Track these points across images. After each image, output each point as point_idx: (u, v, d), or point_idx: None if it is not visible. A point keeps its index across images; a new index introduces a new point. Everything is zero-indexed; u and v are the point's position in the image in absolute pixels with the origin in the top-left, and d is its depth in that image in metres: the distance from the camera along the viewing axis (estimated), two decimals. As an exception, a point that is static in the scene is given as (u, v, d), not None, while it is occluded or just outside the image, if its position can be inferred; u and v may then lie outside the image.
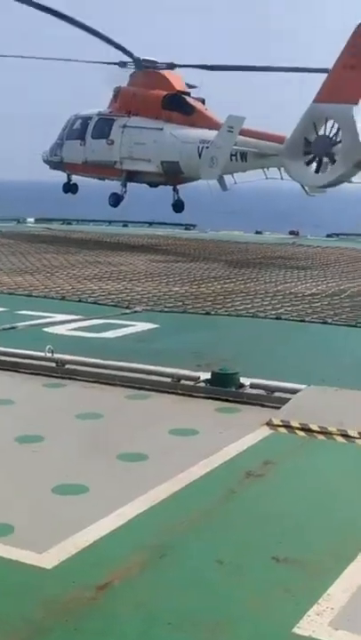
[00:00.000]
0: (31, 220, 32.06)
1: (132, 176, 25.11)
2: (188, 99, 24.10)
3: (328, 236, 28.91)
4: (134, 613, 3.54)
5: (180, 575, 3.92)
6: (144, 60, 24.90)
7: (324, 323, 11.08)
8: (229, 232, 29.68)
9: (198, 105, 23.98)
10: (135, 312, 11.56)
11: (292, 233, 29.36)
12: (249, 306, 12.31)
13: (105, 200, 25.99)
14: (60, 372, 7.80)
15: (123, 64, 25.08)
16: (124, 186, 25.37)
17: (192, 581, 3.85)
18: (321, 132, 20.47)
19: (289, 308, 12.12)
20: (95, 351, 8.55)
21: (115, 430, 6.31)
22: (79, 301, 12.49)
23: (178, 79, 24.83)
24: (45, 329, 10.20)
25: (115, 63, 24.96)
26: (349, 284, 15.20)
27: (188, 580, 3.88)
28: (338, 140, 20.15)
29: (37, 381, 7.65)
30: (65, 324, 10.51)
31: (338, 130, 20.16)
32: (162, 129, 23.76)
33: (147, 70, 24.84)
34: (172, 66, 25.07)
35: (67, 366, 7.85)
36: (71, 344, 9.07)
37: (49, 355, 7.98)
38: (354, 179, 21.03)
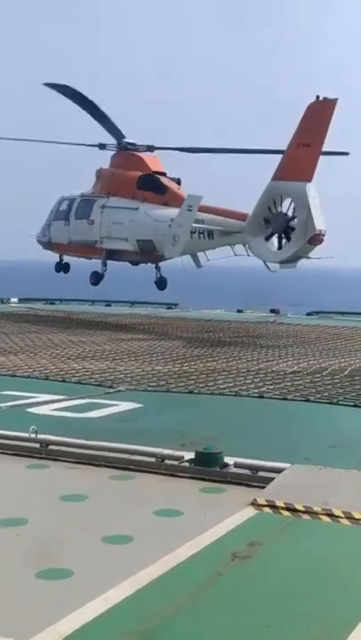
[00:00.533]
0: (15, 299, 32.24)
1: (112, 254, 25.66)
2: (162, 179, 24.77)
3: (308, 314, 29.24)
4: None
5: (167, 661, 3.86)
6: (125, 142, 25.68)
7: (307, 400, 11.14)
8: (211, 310, 29.97)
9: (171, 185, 24.66)
10: (119, 391, 11.57)
11: (272, 311, 29.69)
12: (232, 384, 12.36)
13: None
14: (44, 452, 7.76)
15: (102, 146, 25.87)
16: (104, 264, 25.91)
17: (179, 668, 3.79)
18: (279, 210, 21.06)
19: (271, 387, 12.18)
20: (79, 431, 8.53)
21: (99, 511, 6.26)
22: (63, 381, 12.50)
23: (154, 160, 25.59)
24: (29, 409, 10.17)
25: (95, 145, 25.72)
26: (330, 361, 15.32)
27: (175, 666, 3.81)
28: (294, 216, 20.70)
29: (21, 462, 7.59)
30: (49, 404, 10.49)
31: (294, 207, 20.70)
32: (137, 208, 24.44)
33: (124, 152, 25.64)
34: (151, 148, 25.88)
35: (50, 447, 7.82)
36: (55, 424, 9.04)
37: (33, 435, 7.95)
38: (312, 254, 21.45)
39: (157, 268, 26.50)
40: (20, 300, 32.26)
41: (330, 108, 20.16)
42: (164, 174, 25.10)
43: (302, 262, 22.06)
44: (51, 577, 4.83)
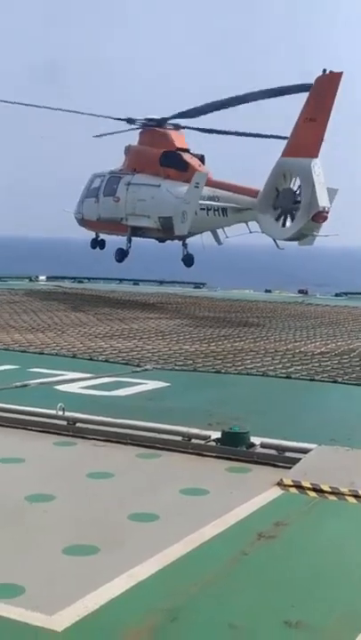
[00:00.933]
0: (43, 277, 32.38)
1: (136, 232, 25.65)
2: (184, 155, 24.63)
3: (337, 295, 29.07)
4: None
5: (193, 639, 3.88)
6: (152, 119, 25.60)
7: (334, 382, 11.10)
8: (239, 290, 29.90)
9: (193, 161, 24.51)
10: (146, 370, 11.60)
11: (301, 292, 29.55)
12: (259, 364, 12.34)
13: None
14: (71, 430, 7.81)
15: (131, 121, 25.78)
16: (129, 241, 25.90)
17: (204, 645, 3.82)
18: (288, 186, 20.91)
19: (299, 367, 12.14)
20: (106, 409, 8.57)
21: (126, 490, 6.30)
22: (90, 359, 12.55)
23: (179, 137, 25.44)
24: (57, 387, 10.24)
25: (123, 119, 25.65)
26: (359, 342, 15.23)
27: (200, 643, 3.84)
28: (300, 193, 20.52)
29: (48, 440, 7.65)
30: (76, 382, 10.55)
31: (299, 184, 20.53)
32: (159, 185, 24.36)
33: (151, 128, 25.57)
34: (177, 126, 25.78)
35: (78, 425, 7.87)
36: (82, 402, 9.10)
37: (60, 413, 8.01)
38: (318, 232, 21.22)
39: (184, 245, 26.45)
40: (49, 279, 32.39)
41: (335, 81, 19.95)
42: (187, 151, 24.97)
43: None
44: (78, 553, 4.87)
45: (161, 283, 32.34)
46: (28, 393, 9.68)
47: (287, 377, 11.37)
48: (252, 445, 7.20)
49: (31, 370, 11.30)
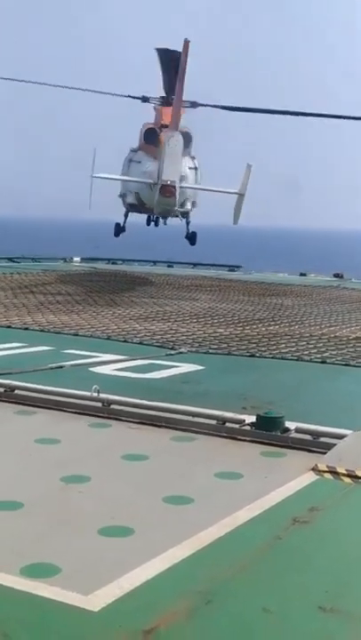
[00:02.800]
0: (77, 259, 32.50)
1: (133, 208, 26.08)
2: (159, 132, 24.54)
3: (373, 278, 28.79)
4: (180, 660, 3.53)
5: (227, 623, 3.90)
6: (166, 97, 25.64)
7: (371, 367, 11.01)
8: (274, 273, 29.75)
9: (161, 137, 24.33)
10: (180, 353, 11.61)
11: (336, 275, 29.30)
12: (294, 349, 12.28)
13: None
14: (106, 412, 7.86)
15: (145, 99, 25.75)
16: (125, 217, 26.42)
17: (239, 629, 3.83)
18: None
19: (334, 352, 12.06)
20: (140, 392, 8.61)
21: (160, 472, 6.33)
22: (124, 341, 12.60)
23: (168, 113, 25.48)
24: (91, 368, 10.30)
25: (138, 97, 25.61)
26: (395, 327, 15.07)
27: (235, 627, 3.85)
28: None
29: (83, 421, 7.71)
30: (110, 364, 10.60)
31: None
32: (140, 162, 24.68)
33: (161, 106, 25.68)
34: (195, 104, 25.78)
35: (112, 406, 7.91)
36: (117, 384, 9.14)
37: (95, 395, 8.05)
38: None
39: (187, 223, 26.62)
40: (83, 260, 32.50)
41: (184, 50, 19.95)
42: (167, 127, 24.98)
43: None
44: (113, 534, 4.91)
45: (195, 265, 32.27)
46: (63, 374, 9.75)
47: (322, 362, 11.31)
48: (287, 430, 7.18)
49: (66, 351, 11.38)
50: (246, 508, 5.40)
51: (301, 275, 29.75)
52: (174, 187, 20.36)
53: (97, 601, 4.00)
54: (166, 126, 24.51)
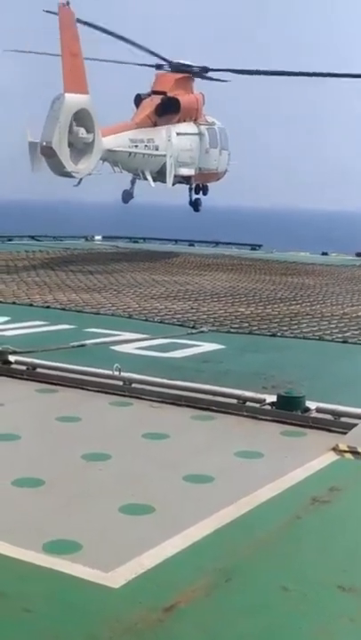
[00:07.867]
0: (99, 237, 32.50)
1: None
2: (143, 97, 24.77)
3: (396, 257, 28.51)
4: (200, 637, 3.56)
5: (246, 600, 3.93)
6: (179, 63, 25.64)
7: (393, 347, 10.94)
8: (296, 253, 29.56)
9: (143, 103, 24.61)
10: (201, 332, 11.60)
11: (358, 255, 29.05)
12: (315, 328, 12.24)
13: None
14: (127, 390, 7.90)
15: (159, 67, 25.67)
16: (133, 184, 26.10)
17: (258, 607, 3.86)
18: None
19: (356, 332, 12.00)
20: (161, 371, 8.62)
21: (180, 451, 6.36)
22: (146, 320, 12.61)
23: (160, 79, 25.53)
24: (113, 347, 10.33)
25: (152, 65, 25.47)
26: None
27: (254, 605, 3.88)
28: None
29: (104, 399, 7.75)
30: (132, 343, 10.62)
31: None
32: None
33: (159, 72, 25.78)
34: (205, 69, 25.66)
35: (133, 385, 7.95)
36: (138, 363, 9.16)
37: (116, 373, 8.08)
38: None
39: (190, 189, 26.78)
40: (104, 238, 32.50)
41: (67, 14, 19.99)
42: (163, 93, 24.79)
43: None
44: (133, 512, 4.95)
45: (217, 244, 32.13)
46: (85, 353, 9.78)
47: (344, 341, 11.26)
48: (308, 410, 7.17)
49: (87, 330, 11.41)
50: (266, 487, 5.41)
51: (323, 254, 29.54)
52: (50, 147, 20.20)
53: (117, 578, 4.05)
54: (157, 92, 24.87)
